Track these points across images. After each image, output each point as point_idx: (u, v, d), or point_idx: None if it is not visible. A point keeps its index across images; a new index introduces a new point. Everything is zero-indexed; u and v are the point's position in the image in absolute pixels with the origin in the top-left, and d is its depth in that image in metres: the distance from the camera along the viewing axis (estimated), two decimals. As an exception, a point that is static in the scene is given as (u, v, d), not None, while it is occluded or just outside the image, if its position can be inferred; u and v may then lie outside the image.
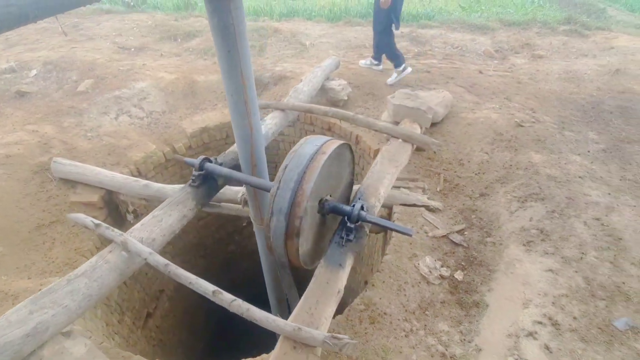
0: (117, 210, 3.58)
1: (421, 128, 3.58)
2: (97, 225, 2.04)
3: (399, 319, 2.11)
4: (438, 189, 3.14)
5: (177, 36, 6.01)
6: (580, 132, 3.59)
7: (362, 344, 1.98)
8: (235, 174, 2.38)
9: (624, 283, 2.18)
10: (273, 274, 3.50)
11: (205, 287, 1.75)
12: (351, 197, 2.58)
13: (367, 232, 2.14)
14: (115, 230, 2.03)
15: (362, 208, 2.06)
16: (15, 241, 2.95)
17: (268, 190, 2.05)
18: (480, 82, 4.54)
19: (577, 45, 6.01)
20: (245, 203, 3.18)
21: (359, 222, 2.05)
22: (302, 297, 1.78)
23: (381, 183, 2.45)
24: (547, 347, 1.85)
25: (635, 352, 1.84)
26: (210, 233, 5.56)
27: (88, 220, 2.08)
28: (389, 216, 2.95)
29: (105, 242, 3.41)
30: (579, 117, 3.86)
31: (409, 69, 4.72)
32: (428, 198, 3.02)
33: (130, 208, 3.68)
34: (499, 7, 9.50)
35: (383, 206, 3.04)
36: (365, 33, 6.48)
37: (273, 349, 1.63)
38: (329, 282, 1.85)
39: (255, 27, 6.40)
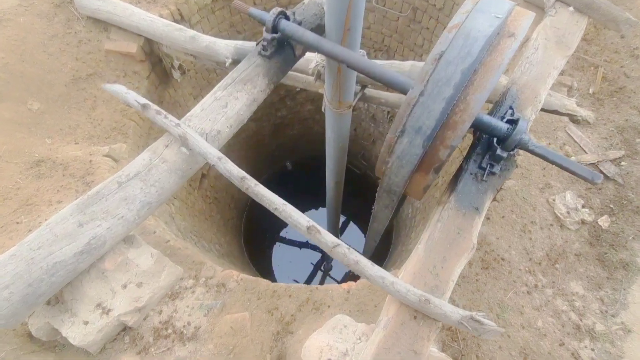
0: (161, 64, 2.95)
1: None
2: (144, 107, 1.48)
3: (520, 269, 1.69)
4: (590, 91, 2.22)
5: None
6: None
7: (472, 293, 1.61)
8: (328, 44, 1.60)
9: None
10: (338, 159, 3.03)
11: (297, 219, 1.30)
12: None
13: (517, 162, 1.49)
14: (170, 116, 1.48)
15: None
16: (52, 96, 2.51)
17: (401, 90, 1.33)
18: None
19: None
20: (319, 77, 2.46)
21: (515, 150, 1.37)
22: (424, 249, 1.32)
23: (544, 83, 1.62)
24: None
25: None
26: (259, 96, 4.97)
27: (131, 97, 1.51)
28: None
29: (155, 101, 2.91)
30: None
31: None
32: (576, 103, 2.16)
33: (176, 63, 3.03)
34: None
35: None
36: None
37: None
38: (461, 231, 1.34)
39: None
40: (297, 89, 5.04)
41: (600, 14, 1.89)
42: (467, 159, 1.47)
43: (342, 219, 5.99)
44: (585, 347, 1.46)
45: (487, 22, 1.06)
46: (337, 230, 4.86)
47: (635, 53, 2.29)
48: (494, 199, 1.91)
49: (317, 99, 5.21)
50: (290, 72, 2.45)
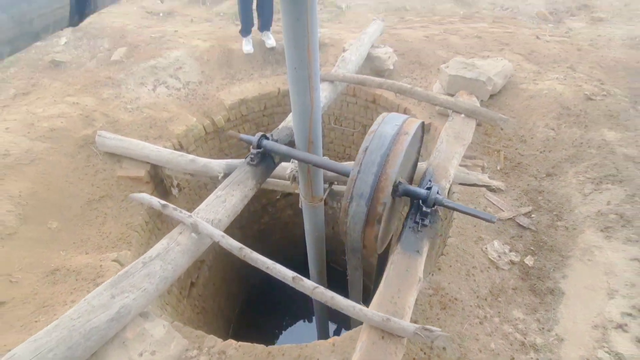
0: (162, 184, 3.56)
1: (478, 101, 3.34)
2: (164, 206, 1.99)
3: (471, 305, 2.05)
4: (498, 168, 2.97)
5: (205, -1, 5.71)
6: (654, 105, 3.28)
7: (436, 331, 1.92)
8: (295, 152, 2.27)
9: None
10: (317, 248, 3.46)
11: (284, 273, 1.71)
12: (414, 177, 2.45)
13: (441, 216, 2.03)
14: (183, 211, 1.98)
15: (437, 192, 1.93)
16: (69, 216, 2.97)
17: (344, 174, 1.94)
18: (539, 49, 4.17)
19: (641, 6, 5.43)
20: (294, 179, 3.10)
21: (435, 207, 1.93)
22: (383, 285, 1.72)
23: (450, 163, 2.30)
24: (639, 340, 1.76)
25: None
26: (245, 206, 5.58)
27: (154, 200, 2.03)
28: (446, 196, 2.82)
29: (154, 217, 3.42)
30: (650, 88, 3.52)
31: (249, 47, 4.39)
32: (489, 177, 2.86)
33: (175, 182, 3.67)
34: (547, -39, 8.62)
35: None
36: (403, -6, 6.00)
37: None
38: (409, 269, 1.77)
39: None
40: (277, 197, 5.73)
41: (482, 116, 2.76)
42: (406, 219, 2.00)
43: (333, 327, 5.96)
44: (531, 358, 1.75)
45: (391, 128, 1.75)
46: (327, 329, 4.88)
47: (523, 139, 3.15)
48: (442, 254, 2.37)
49: (295, 203, 5.87)
50: (271, 180, 3.11)
